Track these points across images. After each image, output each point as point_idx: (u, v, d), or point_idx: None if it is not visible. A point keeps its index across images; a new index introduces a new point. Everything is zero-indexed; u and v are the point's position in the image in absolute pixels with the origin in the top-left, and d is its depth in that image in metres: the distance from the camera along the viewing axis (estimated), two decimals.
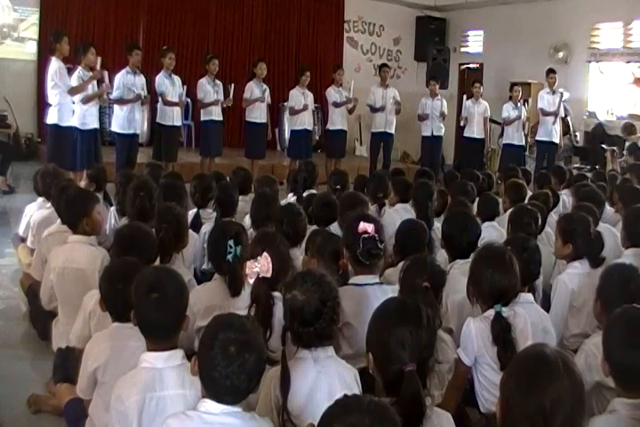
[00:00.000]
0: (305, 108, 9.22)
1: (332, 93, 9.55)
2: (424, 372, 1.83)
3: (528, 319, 2.63)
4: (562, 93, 9.33)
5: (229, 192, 4.48)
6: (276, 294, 2.51)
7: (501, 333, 2.47)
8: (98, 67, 7.11)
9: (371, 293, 2.83)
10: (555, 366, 1.56)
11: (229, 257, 2.82)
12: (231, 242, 2.82)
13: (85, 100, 7.08)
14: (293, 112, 9.33)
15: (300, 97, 9.24)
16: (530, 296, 2.91)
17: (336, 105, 9.53)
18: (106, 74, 7.16)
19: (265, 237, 2.84)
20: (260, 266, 2.43)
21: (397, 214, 4.63)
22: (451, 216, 3.71)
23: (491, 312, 2.56)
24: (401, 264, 3.20)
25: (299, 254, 3.46)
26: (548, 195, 5.09)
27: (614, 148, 9.66)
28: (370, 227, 2.85)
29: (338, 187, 5.28)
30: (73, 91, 6.98)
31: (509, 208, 4.61)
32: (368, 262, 2.87)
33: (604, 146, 9.91)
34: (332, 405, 1.50)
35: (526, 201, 4.97)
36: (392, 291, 2.81)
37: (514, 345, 2.44)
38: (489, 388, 2.51)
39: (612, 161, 9.51)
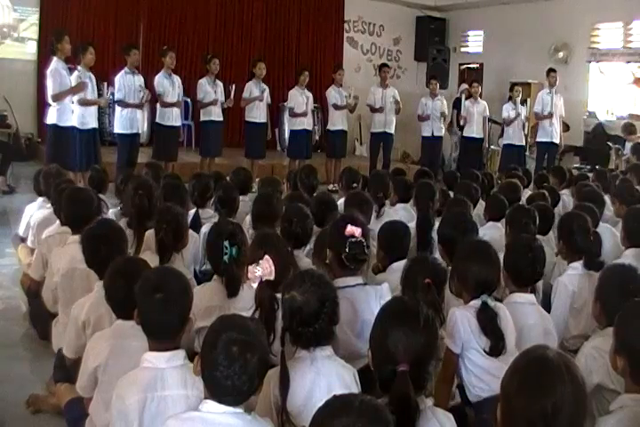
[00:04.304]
0: (304, 114, 9.26)
1: (332, 94, 9.57)
2: (420, 373, 1.82)
3: (507, 310, 2.66)
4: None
5: (231, 192, 4.47)
6: (278, 295, 2.46)
7: (489, 322, 2.52)
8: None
9: (352, 295, 2.75)
10: (557, 369, 1.55)
11: (225, 258, 2.81)
12: (226, 243, 2.81)
13: (82, 103, 7.10)
14: (293, 115, 9.36)
15: (299, 97, 9.25)
16: (532, 297, 2.92)
17: (336, 107, 9.56)
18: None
19: (265, 239, 2.80)
20: (263, 269, 2.41)
21: (397, 214, 4.63)
22: (448, 218, 3.66)
23: (474, 302, 2.60)
24: (392, 266, 3.23)
25: (302, 255, 3.45)
26: (545, 195, 5.08)
27: (619, 146, 9.66)
28: (357, 231, 2.77)
29: (354, 185, 5.22)
30: (55, 98, 6.94)
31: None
32: (353, 267, 2.80)
33: (609, 143, 9.91)
34: (321, 406, 1.49)
35: (523, 201, 4.97)
36: (375, 291, 2.79)
37: (502, 333, 2.51)
38: (478, 374, 2.53)
39: (617, 159, 9.51)
